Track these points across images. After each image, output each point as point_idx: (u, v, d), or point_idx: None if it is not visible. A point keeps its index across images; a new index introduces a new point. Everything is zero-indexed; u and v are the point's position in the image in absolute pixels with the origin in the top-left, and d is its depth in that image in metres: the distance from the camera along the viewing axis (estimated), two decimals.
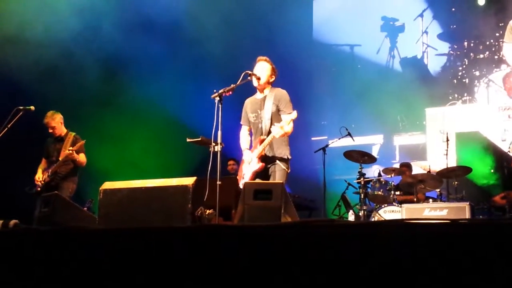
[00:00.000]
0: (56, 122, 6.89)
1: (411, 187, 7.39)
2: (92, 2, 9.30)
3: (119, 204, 4.03)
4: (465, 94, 10.04)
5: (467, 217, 6.08)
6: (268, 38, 10.04)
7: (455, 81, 10.24)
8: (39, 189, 6.71)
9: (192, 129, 7.95)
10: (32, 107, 6.31)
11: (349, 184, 8.49)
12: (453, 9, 10.41)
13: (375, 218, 7.14)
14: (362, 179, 7.63)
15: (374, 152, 10.20)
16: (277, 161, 5.20)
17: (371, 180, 7.92)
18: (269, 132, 5.17)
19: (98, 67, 9.48)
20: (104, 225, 3.91)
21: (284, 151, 5.24)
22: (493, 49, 9.96)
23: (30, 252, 3.25)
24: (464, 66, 10.20)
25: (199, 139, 5.78)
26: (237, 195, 4.78)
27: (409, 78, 10.29)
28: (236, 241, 2.84)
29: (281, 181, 4.84)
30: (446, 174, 7.42)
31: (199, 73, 9.82)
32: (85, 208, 6.60)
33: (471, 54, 10.13)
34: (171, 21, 9.82)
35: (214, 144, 5.00)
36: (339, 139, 8.17)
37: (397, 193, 7.61)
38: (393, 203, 7.36)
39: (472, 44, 10.14)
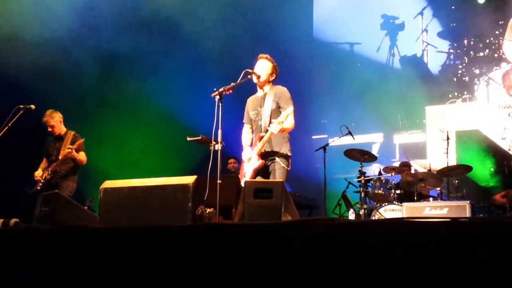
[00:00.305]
0: (55, 120, 6.88)
1: (412, 185, 7.40)
2: (90, 0, 9.32)
3: (120, 203, 4.02)
4: (465, 92, 10.03)
5: (467, 216, 6.08)
6: (268, 36, 10.03)
7: (455, 79, 10.23)
8: (39, 188, 6.72)
9: (192, 127, 7.96)
10: (33, 106, 6.31)
11: (349, 182, 8.50)
12: (453, 7, 10.39)
13: (376, 216, 7.14)
14: (362, 177, 7.64)
15: (374, 151, 10.20)
16: (277, 158, 5.19)
17: (371, 179, 7.92)
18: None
19: (96, 66, 9.48)
20: (105, 224, 3.91)
21: (284, 148, 5.23)
22: (493, 47, 9.95)
23: (30, 251, 3.25)
24: (464, 64, 10.19)
25: (200, 137, 5.80)
26: (237, 193, 4.78)
27: (409, 77, 10.28)
28: (237, 240, 2.84)
29: (281, 180, 4.84)
30: (447, 172, 7.42)
31: (198, 71, 9.81)
32: (86, 207, 6.59)
33: (471, 52, 10.11)
34: (170, 19, 9.81)
35: (214, 142, 5.00)
36: (340, 137, 8.16)
37: (398, 191, 7.62)
38: (394, 201, 7.37)
39: (472, 42, 10.14)
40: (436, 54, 10.71)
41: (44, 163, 6.96)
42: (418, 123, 10.47)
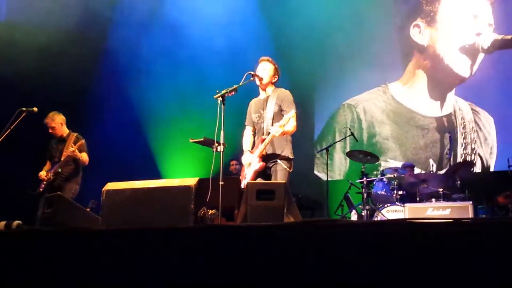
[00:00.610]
0: (56, 123, 6.90)
1: (414, 186, 7.39)
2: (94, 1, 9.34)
3: (122, 205, 4.02)
4: None
5: (470, 217, 6.08)
6: (270, 36, 10.03)
7: None
8: (41, 189, 6.73)
9: (195, 129, 7.96)
10: (35, 109, 6.31)
11: (351, 184, 8.49)
12: None
13: (378, 217, 7.14)
14: (364, 178, 7.63)
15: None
16: (278, 160, 5.19)
17: (373, 180, 7.92)
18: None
19: (97, 67, 9.50)
20: (107, 226, 3.92)
21: (286, 150, 5.24)
22: None
23: (33, 253, 3.26)
24: None
25: (202, 139, 5.79)
26: (240, 195, 4.78)
27: None
28: (239, 241, 2.84)
29: (283, 181, 4.84)
30: (449, 173, 7.41)
31: (201, 72, 9.82)
32: (88, 209, 6.60)
33: None
34: (172, 18, 9.83)
35: (216, 144, 5.01)
36: (342, 139, 8.17)
37: (400, 192, 7.61)
38: (396, 202, 7.36)
39: None
40: None
41: (47, 166, 6.98)
42: None
